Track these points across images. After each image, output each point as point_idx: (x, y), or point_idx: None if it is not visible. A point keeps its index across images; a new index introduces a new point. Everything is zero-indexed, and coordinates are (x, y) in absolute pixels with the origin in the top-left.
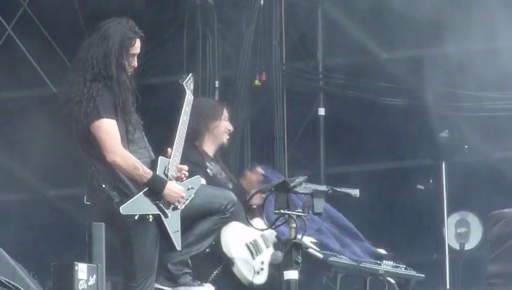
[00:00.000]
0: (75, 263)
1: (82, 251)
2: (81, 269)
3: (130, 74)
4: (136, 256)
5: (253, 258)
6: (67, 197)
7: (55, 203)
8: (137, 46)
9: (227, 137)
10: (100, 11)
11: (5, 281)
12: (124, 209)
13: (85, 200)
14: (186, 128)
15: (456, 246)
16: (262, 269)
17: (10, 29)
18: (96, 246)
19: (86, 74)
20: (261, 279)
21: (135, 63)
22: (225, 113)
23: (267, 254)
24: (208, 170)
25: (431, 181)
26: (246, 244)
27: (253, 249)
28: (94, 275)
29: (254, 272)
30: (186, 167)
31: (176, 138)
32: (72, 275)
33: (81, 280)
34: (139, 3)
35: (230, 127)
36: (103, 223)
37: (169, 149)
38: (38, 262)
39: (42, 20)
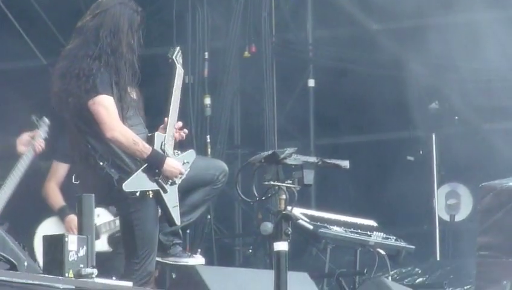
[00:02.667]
0: (65, 234)
1: None
2: (71, 241)
3: (137, 53)
4: (137, 232)
5: None
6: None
7: None
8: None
9: None
10: None
11: None
12: (127, 185)
13: (73, 180)
14: (178, 102)
15: (446, 218)
16: None
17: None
18: (86, 218)
19: (88, 50)
20: None
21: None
22: None
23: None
24: None
25: (421, 152)
26: None
27: None
28: (84, 247)
29: None
30: (180, 124)
31: (170, 113)
32: (63, 247)
33: (72, 251)
34: None
35: None
36: (93, 195)
37: (166, 119)
38: (27, 234)
39: None
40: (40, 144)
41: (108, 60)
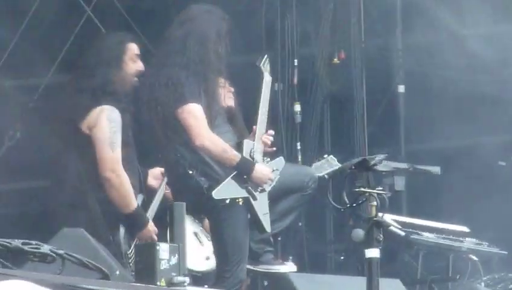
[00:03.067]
0: (157, 242)
1: None
2: (163, 249)
3: (224, 61)
4: (228, 240)
5: (202, 244)
6: None
7: None
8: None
9: None
10: None
11: (88, 261)
12: (216, 193)
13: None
14: (267, 110)
15: None
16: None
17: (90, 11)
18: (178, 226)
19: (176, 59)
20: (211, 264)
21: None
22: None
23: None
24: None
25: None
26: (195, 232)
27: (203, 236)
28: (176, 255)
29: (204, 259)
30: (272, 132)
31: (258, 120)
32: (154, 255)
33: (163, 259)
34: None
35: None
36: (184, 203)
37: (254, 127)
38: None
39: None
40: None
41: (196, 68)
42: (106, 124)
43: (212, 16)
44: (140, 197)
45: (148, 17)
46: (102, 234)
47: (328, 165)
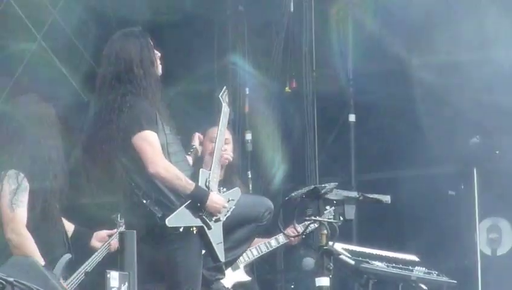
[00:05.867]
0: (107, 270)
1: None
2: (113, 277)
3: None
4: (181, 269)
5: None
6: None
7: None
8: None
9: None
10: (130, 19)
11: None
12: (170, 221)
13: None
14: (224, 139)
15: (488, 252)
16: None
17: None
18: (128, 254)
19: (121, 87)
20: None
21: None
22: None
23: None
24: None
25: (462, 187)
26: None
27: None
28: (126, 283)
29: None
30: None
31: (215, 150)
32: (104, 283)
33: (113, 287)
34: (169, 12)
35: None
36: (135, 231)
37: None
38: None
39: (72, 28)
40: (116, 243)
41: (148, 94)
42: (6, 187)
43: (134, 38)
44: (67, 256)
45: (99, 45)
46: None
47: None
